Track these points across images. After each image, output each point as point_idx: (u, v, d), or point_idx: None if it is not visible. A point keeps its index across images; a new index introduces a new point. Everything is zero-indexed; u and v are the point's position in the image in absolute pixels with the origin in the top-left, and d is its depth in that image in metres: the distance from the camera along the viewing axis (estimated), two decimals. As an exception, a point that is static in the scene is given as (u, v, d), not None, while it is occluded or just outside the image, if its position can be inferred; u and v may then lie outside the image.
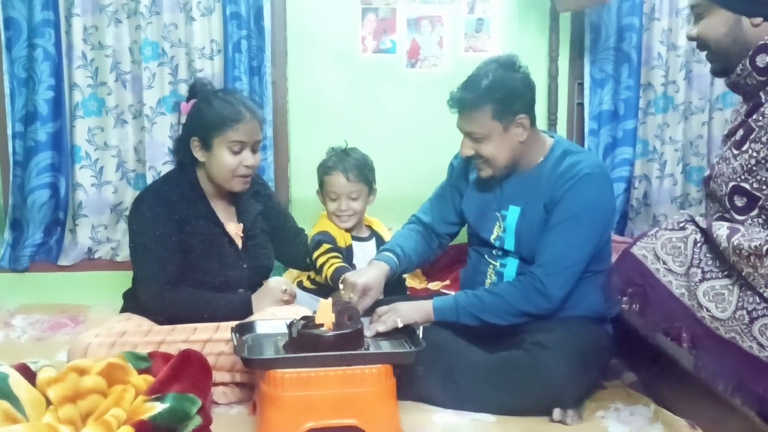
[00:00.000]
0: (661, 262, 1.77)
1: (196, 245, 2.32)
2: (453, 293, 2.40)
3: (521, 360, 2.07)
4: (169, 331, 2.21)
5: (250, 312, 2.29)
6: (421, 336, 2.04)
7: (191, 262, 2.32)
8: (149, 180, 3.16)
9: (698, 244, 1.73)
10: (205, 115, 2.31)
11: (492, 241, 2.32)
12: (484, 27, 3.34)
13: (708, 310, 1.70)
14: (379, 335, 2.11)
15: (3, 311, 3.06)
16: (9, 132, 3.18)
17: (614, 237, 2.70)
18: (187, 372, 1.91)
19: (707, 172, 1.94)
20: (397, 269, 2.37)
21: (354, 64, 3.32)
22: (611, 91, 3.41)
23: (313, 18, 3.28)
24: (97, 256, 3.28)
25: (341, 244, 2.67)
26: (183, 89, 3.16)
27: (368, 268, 2.32)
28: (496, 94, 2.15)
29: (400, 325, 2.11)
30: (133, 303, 2.40)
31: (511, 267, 2.30)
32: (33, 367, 1.90)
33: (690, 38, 1.92)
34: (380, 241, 2.75)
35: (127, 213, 3.14)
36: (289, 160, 3.35)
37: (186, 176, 2.38)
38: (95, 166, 3.24)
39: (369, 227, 2.81)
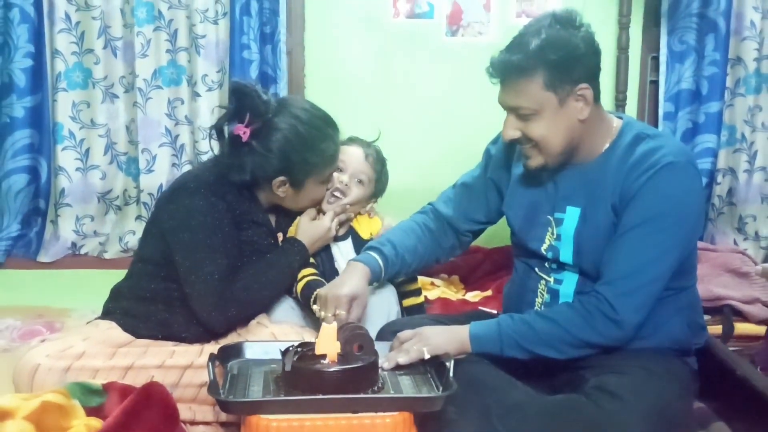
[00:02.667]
0: None
1: (246, 252, 2.16)
2: (494, 312, 2.15)
3: (583, 410, 1.74)
4: (140, 354, 1.97)
5: (307, 256, 2.23)
6: (451, 370, 1.74)
7: (238, 265, 2.16)
8: (142, 165, 3.10)
9: None
10: (296, 155, 2.13)
11: (543, 251, 2.02)
12: None
13: None
14: (399, 368, 1.85)
15: None
16: None
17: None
18: (144, 416, 1.66)
19: None
20: (381, 273, 2.12)
21: (383, 31, 3.18)
22: (693, 67, 3.21)
23: None
24: (82, 252, 3.17)
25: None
26: (183, 59, 3.09)
27: (346, 275, 2.08)
28: (550, 55, 1.84)
29: (427, 356, 1.84)
30: (122, 301, 2.17)
31: (568, 284, 2.00)
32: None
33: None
34: (357, 238, 2.45)
35: (116, 203, 3.15)
36: (304, 143, 3.16)
37: (242, 179, 2.18)
38: (80, 147, 3.12)
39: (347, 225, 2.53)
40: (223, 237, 2.08)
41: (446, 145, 3.17)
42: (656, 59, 3.23)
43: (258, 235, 2.20)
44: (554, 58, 1.84)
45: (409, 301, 2.40)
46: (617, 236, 1.88)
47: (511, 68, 1.88)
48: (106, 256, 3.13)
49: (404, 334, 1.92)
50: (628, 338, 1.87)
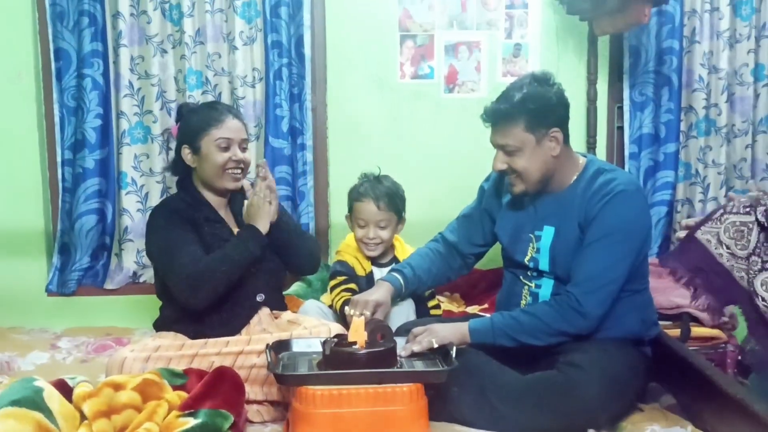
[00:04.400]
0: (724, 246, 1.73)
1: (212, 246, 2.37)
2: (488, 316, 2.39)
3: (554, 380, 2.05)
4: (201, 344, 2.24)
5: (260, 235, 2.36)
6: (454, 356, 2.03)
7: None
8: None
9: (761, 231, 1.69)
10: (190, 123, 2.44)
11: (526, 262, 2.30)
12: (522, 52, 3.36)
13: (764, 300, 1.66)
14: (413, 355, 2.11)
15: (50, 334, 3.10)
16: (59, 159, 3.26)
17: (655, 261, 2.64)
18: (220, 388, 1.93)
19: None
20: (402, 289, 2.41)
21: (392, 90, 3.35)
22: (651, 114, 3.40)
23: (352, 46, 3.32)
24: (141, 280, 3.32)
25: (360, 272, 2.67)
26: None
27: (374, 288, 2.38)
28: (529, 105, 2.15)
29: (435, 345, 2.11)
30: (163, 328, 2.45)
31: (546, 287, 2.29)
32: (70, 383, 1.93)
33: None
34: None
35: None
36: (328, 184, 3.38)
37: (186, 190, 2.48)
38: (140, 192, 3.29)
39: (392, 249, 2.77)
40: (183, 236, 2.33)
41: (446, 183, 3.31)
42: (621, 108, 3.40)
43: (217, 230, 2.41)
44: (532, 108, 2.16)
45: (432, 312, 2.68)
46: (582, 248, 2.16)
47: (499, 115, 2.19)
48: None
49: (417, 329, 2.18)
50: (592, 328, 2.14)
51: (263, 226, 2.39)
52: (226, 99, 3.24)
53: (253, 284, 2.43)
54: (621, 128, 3.45)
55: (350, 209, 2.72)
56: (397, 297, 2.41)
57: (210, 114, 2.42)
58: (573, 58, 3.36)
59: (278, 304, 2.56)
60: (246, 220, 2.42)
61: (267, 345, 2.08)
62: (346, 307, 2.29)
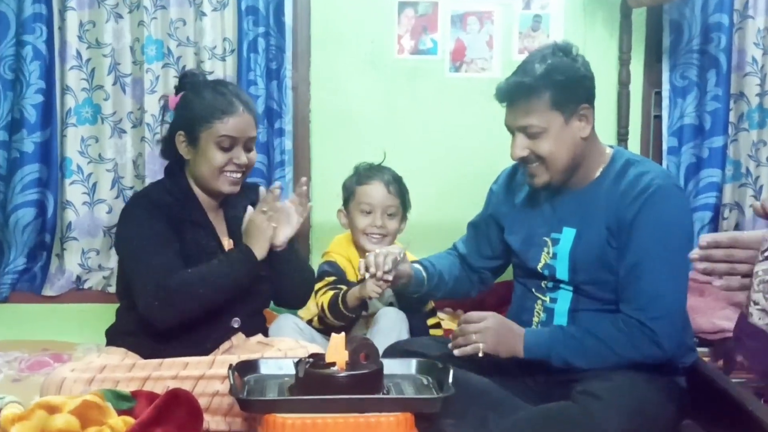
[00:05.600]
0: (753, 303, 1.73)
1: (190, 252, 2.37)
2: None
3: (569, 413, 2.04)
4: (156, 366, 2.24)
5: (254, 261, 2.34)
6: (451, 379, 2.02)
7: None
8: None
9: None
10: (192, 107, 2.38)
11: (539, 269, 2.32)
12: (542, 25, 3.37)
13: None
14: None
15: None
16: None
17: (697, 276, 2.65)
18: (173, 413, 1.95)
19: None
20: (423, 282, 2.41)
21: (388, 68, 3.36)
22: (695, 102, 3.42)
23: (342, 14, 3.34)
24: (86, 285, 3.33)
25: (351, 277, 2.69)
26: None
27: None
28: (556, 77, 2.17)
29: (481, 355, 2.13)
30: (118, 339, 2.45)
31: (563, 302, 2.30)
32: (-2, 403, 1.94)
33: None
34: None
35: None
36: (310, 177, 3.39)
37: (176, 181, 2.45)
38: (88, 181, 3.31)
39: None
40: (163, 237, 2.31)
41: (450, 179, 3.34)
42: (659, 94, 3.42)
43: (199, 236, 2.40)
44: (560, 79, 2.17)
45: (432, 332, 2.71)
46: (634, 262, 2.15)
47: (521, 90, 2.19)
48: (110, 290, 3.23)
49: (473, 315, 2.19)
50: (668, 357, 2.15)
51: (260, 251, 2.37)
52: None
53: (229, 306, 2.42)
54: (658, 117, 3.46)
55: (348, 198, 2.75)
56: (416, 286, 2.41)
57: (217, 102, 2.36)
58: (603, 33, 3.37)
59: (257, 331, 2.55)
60: (243, 238, 2.41)
61: (230, 366, 2.07)
62: (361, 261, 2.28)
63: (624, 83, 3.35)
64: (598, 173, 2.28)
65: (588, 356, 2.16)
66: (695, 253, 1.56)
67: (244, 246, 2.37)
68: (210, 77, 3.13)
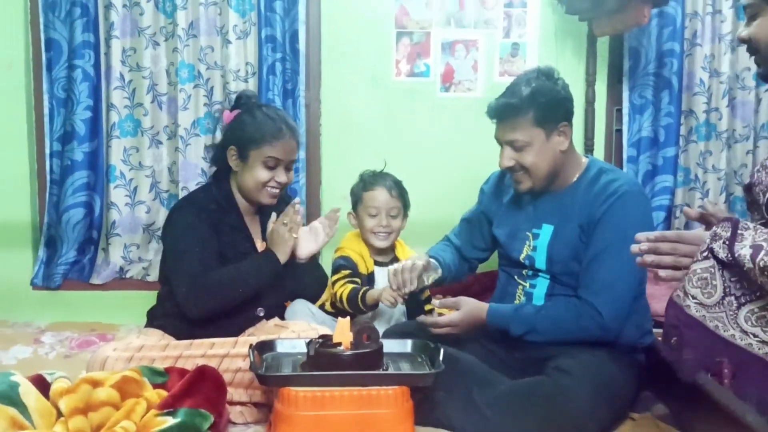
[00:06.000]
0: (691, 297, 1.69)
1: (227, 254, 2.36)
2: None
3: (542, 386, 2.03)
4: (186, 345, 2.22)
5: (277, 264, 2.33)
6: (441, 357, 2.00)
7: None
8: None
9: (724, 271, 1.64)
10: (245, 127, 2.37)
11: (521, 260, 2.30)
12: (520, 51, 3.35)
13: (755, 336, 1.61)
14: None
15: (34, 328, 3.10)
16: (47, 151, 3.26)
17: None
18: (201, 388, 1.91)
19: (747, 180, 1.86)
20: (443, 274, 2.41)
21: (387, 88, 3.35)
22: (651, 118, 3.40)
23: (348, 42, 3.32)
24: (128, 275, 3.32)
25: (363, 270, 2.66)
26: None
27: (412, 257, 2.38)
28: (539, 98, 2.16)
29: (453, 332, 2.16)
30: (157, 320, 2.43)
31: (540, 287, 2.29)
32: (48, 379, 1.91)
33: (741, 40, 1.81)
34: None
35: (159, 233, 3.23)
36: (321, 182, 3.37)
37: (221, 187, 2.43)
38: (129, 185, 3.30)
39: (392, 250, 2.78)
40: (201, 241, 2.29)
41: (442, 184, 3.31)
42: (620, 111, 3.41)
43: (236, 240, 2.39)
44: (543, 101, 2.16)
45: (427, 307, 2.69)
46: (595, 253, 2.15)
47: (508, 109, 2.19)
48: (149, 279, 3.27)
49: (448, 300, 2.24)
50: (611, 338, 2.14)
51: (282, 256, 2.36)
52: (218, 93, 3.26)
53: (256, 299, 2.41)
54: (620, 131, 3.45)
55: (357, 202, 2.72)
56: (438, 277, 2.41)
57: (268, 127, 2.35)
58: (572, 58, 3.35)
59: (275, 315, 2.53)
60: (268, 243, 2.40)
61: (250, 345, 2.06)
62: (390, 270, 2.29)
63: (590, 101, 3.33)
64: (574, 179, 2.27)
65: (540, 332, 2.16)
66: (643, 243, 1.53)
67: (269, 251, 2.36)
68: (234, 96, 3.06)
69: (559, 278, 2.24)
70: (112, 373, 1.94)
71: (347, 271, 2.61)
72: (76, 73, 3.20)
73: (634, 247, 1.53)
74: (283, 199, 2.51)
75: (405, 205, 2.69)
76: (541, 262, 2.26)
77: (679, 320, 1.69)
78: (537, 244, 2.27)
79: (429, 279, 2.35)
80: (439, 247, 2.55)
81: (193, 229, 2.32)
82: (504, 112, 2.20)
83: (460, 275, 2.57)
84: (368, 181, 2.68)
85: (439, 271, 2.39)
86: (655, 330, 2.45)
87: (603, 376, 2.05)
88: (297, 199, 2.42)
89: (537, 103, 2.16)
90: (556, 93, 2.19)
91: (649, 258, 1.52)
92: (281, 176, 2.38)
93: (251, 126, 2.36)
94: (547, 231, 2.27)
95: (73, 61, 3.20)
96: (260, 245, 2.46)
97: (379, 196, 2.64)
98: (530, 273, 2.31)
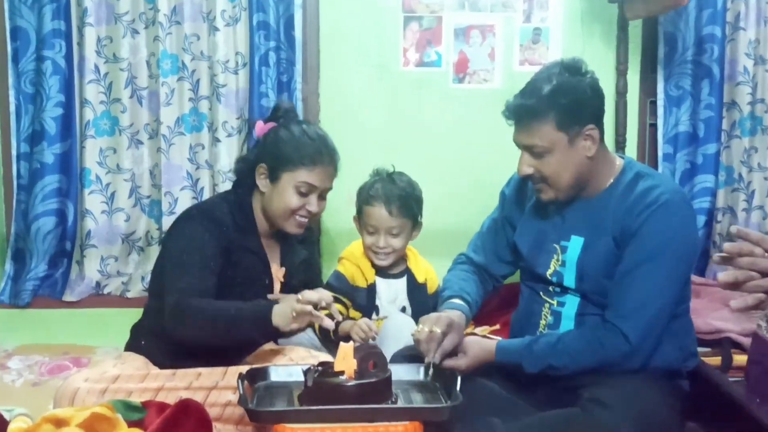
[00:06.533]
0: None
1: (237, 278, 2.29)
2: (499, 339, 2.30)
3: (576, 420, 1.94)
4: (169, 376, 2.15)
5: (270, 328, 2.12)
6: (459, 386, 1.91)
7: (224, 294, 2.26)
8: (165, 207, 3.19)
9: None
10: (281, 144, 2.31)
11: (548, 276, 2.23)
12: (542, 37, 3.30)
13: None
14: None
15: (0, 351, 3.05)
16: (14, 152, 3.22)
17: (693, 278, 2.62)
18: (182, 425, 1.83)
19: None
20: (470, 317, 2.30)
21: (394, 79, 3.31)
22: (689, 111, 3.35)
23: (349, 28, 3.28)
24: (105, 291, 3.27)
25: (360, 283, 2.60)
26: (204, 107, 3.21)
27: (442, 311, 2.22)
28: (560, 99, 2.07)
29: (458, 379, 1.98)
30: (140, 339, 2.37)
31: (570, 306, 2.21)
32: (7, 416, 1.83)
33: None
34: (412, 280, 2.63)
35: (139, 244, 3.24)
36: (319, 186, 3.29)
37: (240, 202, 2.36)
38: (106, 191, 3.25)
39: (403, 260, 2.68)
40: (205, 259, 2.20)
41: (453, 186, 3.27)
42: (654, 103, 3.35)
43: (250, 263, 2.33)
44: (564, 102, 2.06)
45: None
46: (626, 269, 2.07)
47: (525, 111, 2.09)
48: (129, 295, 3.22)
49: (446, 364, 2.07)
50: (637, 367, 2.05)
51: (279, 324, 2.13)
52: (205, 86, 3.22)
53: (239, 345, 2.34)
54: (654, 126, 3.40)
55: (359, 212, 2.66)
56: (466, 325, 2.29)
57: (307, 148, 2.30)
58: (600, 45, 3.30)
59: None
60: (276, 306, 2.15)
61: (239, 374, 1.97)
62: (416, 328, 2.12)
63: (621, 93, 3.28)
64: (608, 183, 2.19)
65: (557, 368, 2.09)
66: (726, 250, 1.36)
67: (269, 312, 2.14)
68: (223, 90, 3.16)
69: (591, 298, 2.16)
70: (79, 409, 1.83)
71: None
72: (45, 66, 3.16)
73: (723, 254, 1.36)
74: (309, 227, 2.46)
75: (412, 218, 2.61)
76: (570, 280, 2.18)
77: (764, 356, 1.58)
78: (566, 258, 2.19)
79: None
80: (458, 276, 2.41)
81: (201, 244, 2.23)
82: (520, 114, 2.12)
83: (486, 298, 2.48)
84: (369, 193, 2.60)
85: (462, 322, 2.21)
86: (699, 349, 2.39)
87: (645, 407, 1.97)
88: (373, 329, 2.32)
89: (558, 105, 2.07)
90: (581, 92, 2.10)
91: (724, 277, 1.34)
92: (313, 205, 2.31)
93: (288, 144, 2.30)
94: (576, 244, 2.18)
95: (42, 52, 3.15)
96: (276, 271, 2.40)
97: (377, 214, 2.56)
98: (558, 290, 2.23)
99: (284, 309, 2.11)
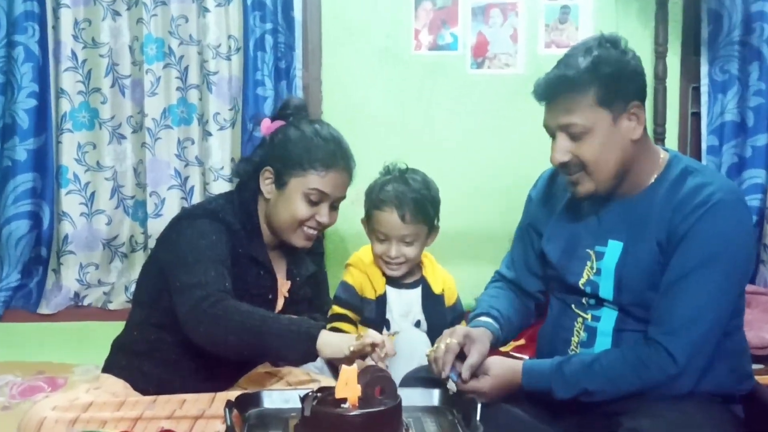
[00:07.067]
0: None
1: (239, 290, 2.19)
2: (526, 357, 2.26)
3: None
4: (148, 403, 2.07)
5: (311, 355, 2.02)
6: (479, 414, 1.81)
7: None
8: (150, 209, 3.22)
9: None
10: (290, 146, 2.24)
11: (581, 286, 2.12)
12: (571, 16, 3.28)
13: None
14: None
15: None
16: None
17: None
18: None
19: None
20: (500, 335, 2.20)
21: (405, 65, 3.30)
22: (736, 98, 3.31)
23: (355, 8, 3.28)
24: (85, 302, 3.26)
25: (369, 294, 2.51)
26: (193, 96, 3.24)
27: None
28: (603, 68, 1.97)
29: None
30: (121, 357, 2.28)
31: (606, 321, 2.09)
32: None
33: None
34: (428, 291, 2.55)
35: (122, 250, 3.26)
36: (322, 184, 3.28)
37: (245, 207, 2.29)
38: (85, 191, 3.24)
39: (418, 268, 2.60)
40: (219, 255, 2.13)
41: (472, 184, 3.26)
42: (697, 90, 3.34)
43: (255, 274, 2.27)
44: (608, 72, 1.95)
45: None
46: (672, 280, 1.96)
47: (563, 84, 1.99)
48: (111, 306, 3.20)
49: (472, 362, 1.97)
50: (684, 391, 1.95)
51: (325, 355, 2.04)
52: (194, 74, 3.22)
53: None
54: (697, 114, 3.38)
55: (367, 215, 2.57)
56: (493, 343, 2.20)
57: (319, 151, 2.22)
58: (637, 24, 3.26)
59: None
60: (324, 340, 2.03)
61: (227, 402, 1.86)
62: (431, 348, 2.05)
63: (660, 78, 3.22)
64: (651, 180, 2.08)
65: (593, 393, 1.98)
66: None
67: (316, 335, 2.03)
68: (214, 78, 3.17)
69: (631, 310, 2.05)
70: None
71: (339, 310, 2.50)
72: (16, 52, 3.15)
73: None
74: (318, 238, 2.39)
75: (428, 223, 2.52)
76: (606, 291, 2.07)
77: None
78: (601, 266, 2.09)
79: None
80: (488, 294, 2.34)
81: (214, 242, 2.15)
82: (556, 88, 2.01)
83: (527, 320, 2.38)
84: (379, 196, 2.51)
85: (485, 338, 2.12)
86: (754, 366, 2.33)
87: None
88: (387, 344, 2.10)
89: (600, 76, 1.97)
90: (626, 63, 2.00)
91: None
92: (324, 216, 2.24)
93: (298, 146, 2.23)
94: (614, 249, 2.08)
95: (13, 37, 3.15)
96: (282, 284, 2.34)
97: (387, 220, 2.47)
98: (593, 302, 2.12)
99: (338, 341, 2.03)
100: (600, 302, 2.10)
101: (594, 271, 2.09)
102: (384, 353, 1.98)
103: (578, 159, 2.01)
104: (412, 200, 2.46)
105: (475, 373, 2.00)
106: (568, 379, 1.99)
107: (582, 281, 2.11)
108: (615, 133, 1.99)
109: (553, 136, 2.05)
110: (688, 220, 1.95)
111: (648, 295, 2.01)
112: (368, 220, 2.55)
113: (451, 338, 2.02)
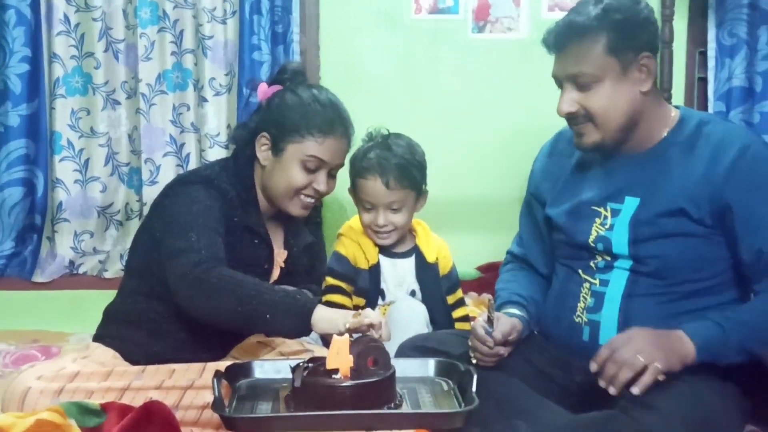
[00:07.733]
0: None
1: (234, 260, 2.15)
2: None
3: (615, 424, 1.78)
4: (136, 373, 2.02)
5: (305, 329, 1.99)
6: (475, 384, 1.77)
7: None
8: (145, 176, 3.21)
9: None
10: (287, 111, 2.18)
11: (591, 243, 2.07)
12: None
13: None
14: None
15: None
16: None
17: None
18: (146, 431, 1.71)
19: None
20: (531, 320, 2.15)
21: (404, 29, 3.27)
22: (744, 62, 3.29)
23: None
24: (80, 271, 3.27)
25: (362, 264, 2.46)
26: (189, 61, 3.24)
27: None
28: (614, 15, 1.93)
29: (662, 378, 1.82)
30: (113, 326, 2.23)
31: (615, 285, 2.03)
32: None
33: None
34: (422, 259, 2.51)
35: (117, 218, 3.25)
36: (319, 151, 3.25)
37: (241, 175, 2.25)
38: (79, 157, 3.24)
39: (411, 236, 2.53)
40: (213, 221, 2.10)
41: (475, 151, 3.24)
42: (704, 54, 3.32)
43: (251, 244, 2.24)
44: (619, 19, 1.92)
45: (459, 326, 2.48)
46: (751, 227, 1.91)
47: (572, 31, 1.95)
48: (107, 275, 3.21)
49: (617, 340, 1.87)
50: None
51: (320, 330, 2.01)
52: (189, 38, 3.21)
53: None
54: (704, 79, 3.36)
55: (353, 184, 2.52)
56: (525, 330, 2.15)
57: (317, 116, 2.18)
58: None
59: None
60: (319, 315, 2.02)
61: (216, 372, 1.82)
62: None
63: (666, 42, 3.11)
64: (662, 135, 2.04)
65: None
66: None
67: (312, 309, 1.99)
68: (210, 42, 3.16)
69: (644, 269, 1.99)
70: (23, 415, 1.71)
71: (333, 281, 2.44)
72: (8, 15, 3.15)
73: None
74: (315, 207, 2.36)
75: (415, 188, 2.46)
76: (621, 245, 2.02)
77: None
78: (615, 221, 2.05)
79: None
80: (505, 279, 2.29)
81: (207, 208, 2.12)
82: (566, 36, 1.98)
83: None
84: (362, 164, 2.46)
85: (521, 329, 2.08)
86: None
87: (699, 412, 1.80)
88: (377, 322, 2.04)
89: (611, 22, 1.93)
90: (638, 12, 1.98)
91: None
92: (321, 183, 2.19)
93: (295, 111, 2.18)
94: (630, 206, 2.03)
95: (4, 0, 3.15)
96: (278, 254, 2.30)
97: (372, 188, 2.41)
98: (602, 264, 2.07)
99: (334, 317, 1.99)
100: (610, 264, 2.04)
101: (607, 226, 2.04)
102: (379, 335, 1.93)
103: (585, 110, 1.98)
104: (396, 166, 2.41)
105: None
106: (736, 342, 1.90)
107: (592, 238, 2.06)
108: (624, 84, 1.96)
109: (561, 86, 2.02)
110: (735, 178, 1.91)
111: (665, 248, 1.97)
112: (354, 190, 2.51)
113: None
